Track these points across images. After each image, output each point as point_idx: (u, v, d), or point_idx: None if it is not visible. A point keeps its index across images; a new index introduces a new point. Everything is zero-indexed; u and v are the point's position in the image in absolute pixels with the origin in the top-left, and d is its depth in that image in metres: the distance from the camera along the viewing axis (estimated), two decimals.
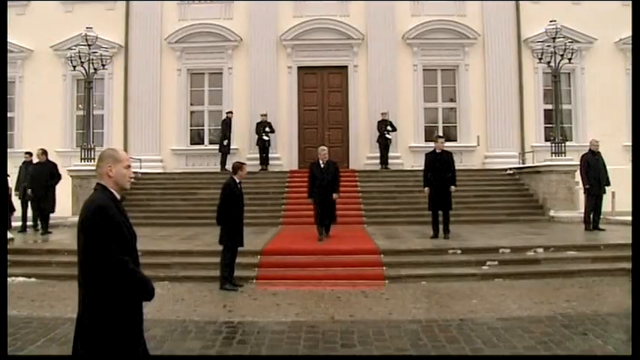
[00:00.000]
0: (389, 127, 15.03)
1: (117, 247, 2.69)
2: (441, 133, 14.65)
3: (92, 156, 13.28)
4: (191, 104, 16.53)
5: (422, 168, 10.41)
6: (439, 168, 9.73)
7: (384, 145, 15.10)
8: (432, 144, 10.56)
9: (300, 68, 16.16)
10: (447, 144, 14.72)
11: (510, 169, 14.79)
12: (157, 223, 12.02)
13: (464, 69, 16.05)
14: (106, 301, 2.70)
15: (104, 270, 2.67)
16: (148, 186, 14.33)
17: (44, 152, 11.43)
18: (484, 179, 14.26)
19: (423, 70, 16.10)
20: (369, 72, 15.89)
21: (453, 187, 9.72)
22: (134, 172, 14.71)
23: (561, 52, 12.97)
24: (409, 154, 15.70)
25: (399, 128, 15.34)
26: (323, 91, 16.26)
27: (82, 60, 12.93)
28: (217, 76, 16.36)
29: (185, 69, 16.28)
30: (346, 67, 16.12)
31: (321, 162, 9.82)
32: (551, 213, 12.49)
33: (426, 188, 9.80)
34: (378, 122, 15.14)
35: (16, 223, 11.54)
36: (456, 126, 16.24)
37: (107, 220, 2.71)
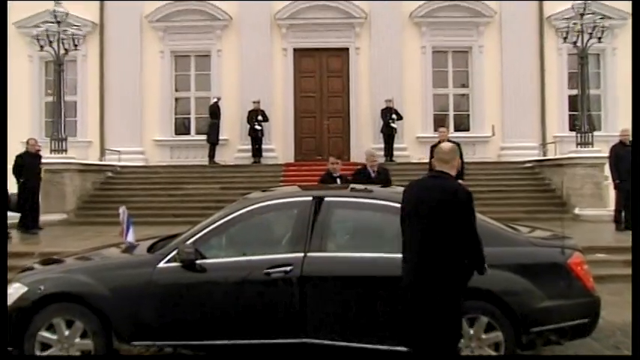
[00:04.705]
0: (394, 116, 14.92)
1: None
2: (451, 122, 14.87)
3: (64, 147, 12.95)
4: (176, 90, 16.47)
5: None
6: None
7: (388, 135, 14.99)
8: None
9: (296, 50, 16.07)
10: (459, 134, 14.74)
11: (529, 161, 14.65)
12: (139, 222, 11.43)
13: (478, 51, 15.96)
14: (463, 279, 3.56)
15: (475, 248, 3.64)
16: (127, 181, 14.25)
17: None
18: (500, 173, 14.14)
19: (433, 52, 16.02)
20: (372, 55, 15.78)
21: (460, 181, 9.41)
22: (112, 165, 14.20)
23: (590, 31, 12.68)
24: (416, 145, 15.50)
25: (406, 117, 15.23)
26: (321, 75, 16.22)
27: (51, 39, 12.58)
28: (205, 59, 16.27)
29: (169, 51, 16.15)
30: (347, 49, 16.02)
31: (371, 171, 8.38)
32: (576, 211, 12.28)
33: None
34: (382, 110, 15.02)
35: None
36: (468, 114, 16.22)
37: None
